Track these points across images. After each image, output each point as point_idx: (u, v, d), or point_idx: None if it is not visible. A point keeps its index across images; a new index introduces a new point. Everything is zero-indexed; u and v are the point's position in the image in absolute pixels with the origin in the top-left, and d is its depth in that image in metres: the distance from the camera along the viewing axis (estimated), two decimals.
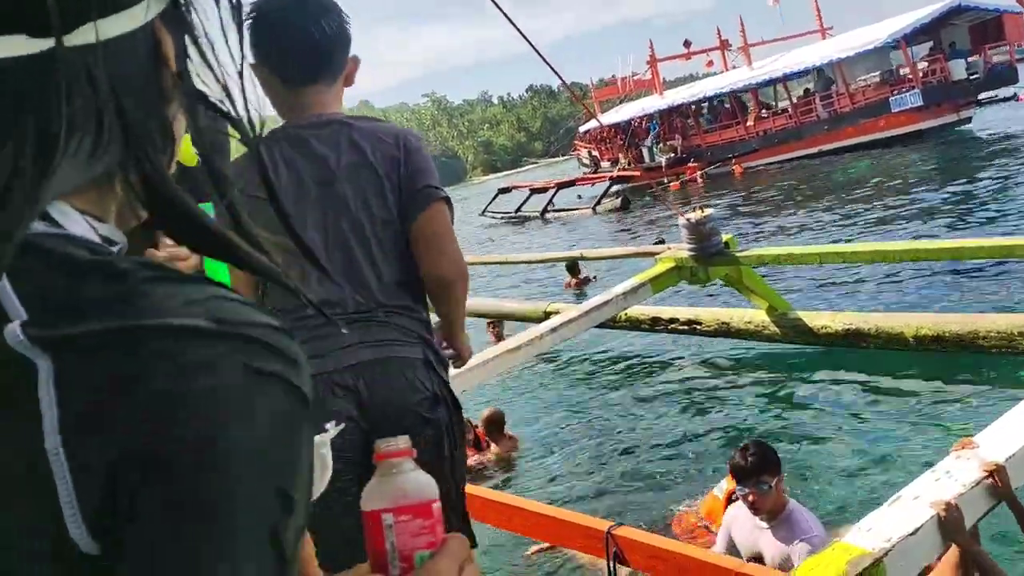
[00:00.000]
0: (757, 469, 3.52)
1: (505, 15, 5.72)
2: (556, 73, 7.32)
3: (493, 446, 6.34)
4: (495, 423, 6.40)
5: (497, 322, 9.47)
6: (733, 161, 27.90)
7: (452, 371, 5.60)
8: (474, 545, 1.76)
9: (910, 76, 25.06)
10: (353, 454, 1.62)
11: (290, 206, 1.65)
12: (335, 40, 1.81)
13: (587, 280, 12.36)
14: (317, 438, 0.69)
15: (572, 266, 12.27)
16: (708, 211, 7.04)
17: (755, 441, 3.87)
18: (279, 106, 1.80)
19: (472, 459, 6.13)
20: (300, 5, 1.75)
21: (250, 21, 1.70)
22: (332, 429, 0.80)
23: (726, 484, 4.14)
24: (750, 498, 3.51)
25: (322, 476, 0.76)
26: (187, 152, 1.59)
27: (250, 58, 1.70)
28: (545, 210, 26.15)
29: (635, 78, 37.93)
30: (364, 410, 1.67)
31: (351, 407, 1.65)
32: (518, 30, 5.93)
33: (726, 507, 4.05)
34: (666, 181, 26.45)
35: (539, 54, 6.50)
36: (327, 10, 1.79)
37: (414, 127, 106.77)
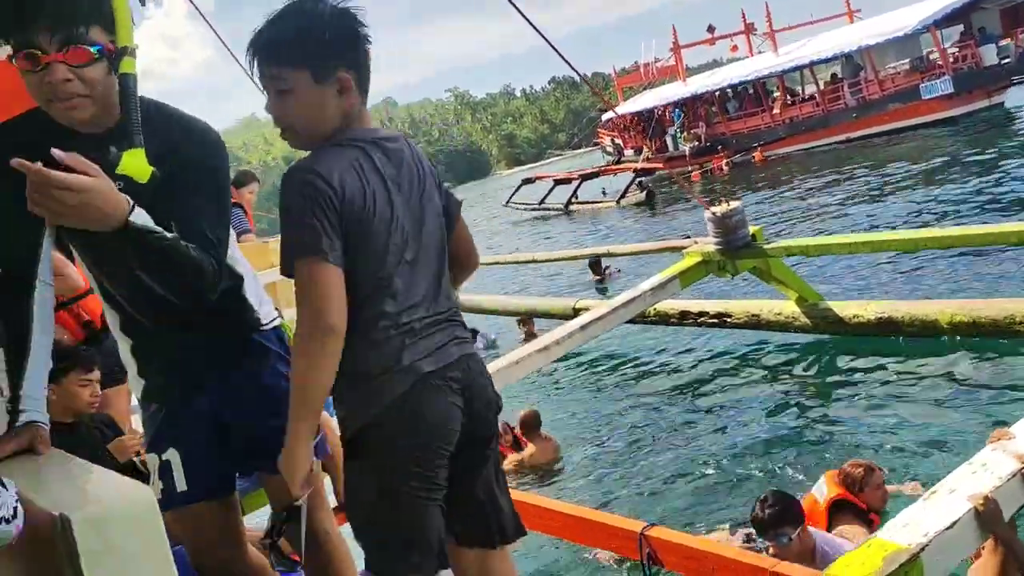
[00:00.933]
0: (776, 521, 3.40)
1: (521, 13, 5.75)
2: (572, 67, 7.34)
3: (530, 446, 6.35)
4: (531, 424, 6.41)
5: (528, 319, 9.52)
6: (758, 148, 27.62)
7: None
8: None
9: (940, 62, 24.63)
10: (453, 445, 1.76)
11: (400, 213, 1.70)
12: None
13: (611, 274, 12.38)
14: None
15: (595, 264, 12.29)
16: (734, 204, 7.01)
17: (773, 492, 3.68)
18: (330, 119, 1.72)
19: (509, 460, 6.19)
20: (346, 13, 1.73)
21: (349, 27, 1.70)
22: None
23: (826, 488, 3.98)
24: (771, 551, 3.40)
25: None
26: (141, 169, 1.64)
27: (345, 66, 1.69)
28: (569, 202, 26.05)
29: (658, 65, 37.58)
30: (467, 403, 1.78)
31: (459, 400, 1.76)
32: (533, 27, 5.95)
33: (828, 515, 3.89)
34: (689, 170, 26.24)
35: (553, 48, 6.51)
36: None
37: (438, 122, 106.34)
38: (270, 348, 1.99)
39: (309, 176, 1.61)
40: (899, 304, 6.65)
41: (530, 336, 8.80)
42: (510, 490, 2.00)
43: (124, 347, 1.98)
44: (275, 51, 1.67)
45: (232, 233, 1.91)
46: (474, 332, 9.77)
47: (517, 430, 6.46)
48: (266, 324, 2.01)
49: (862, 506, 3.93)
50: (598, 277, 12.33)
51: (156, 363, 1.97)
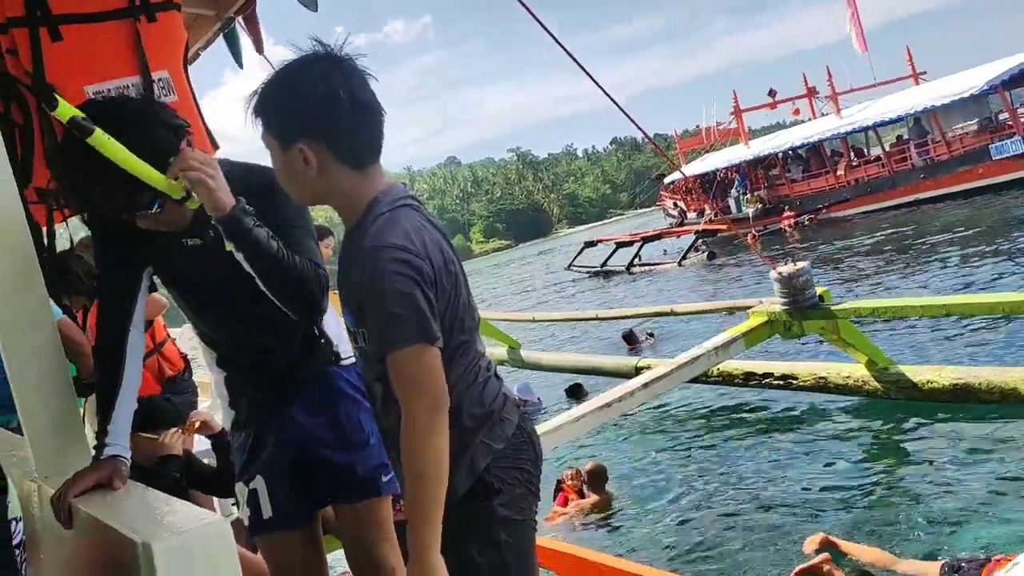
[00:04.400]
0: None
1: (591, 77, 5.87)
2: (642, 131, 7.43)
3: (592, 496, 6.38)
4: (598, 476, 6.45)
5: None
6: (822, 210, 27.29)
7: (542, 428, 5.67)
8: None
9: (1010, 122, 24.21)
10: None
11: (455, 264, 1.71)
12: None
13: (644, 340, 12.03)
14: None
15: (628, 335, 12.02)
16: (801, 264, 6.92)
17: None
18: (341, 190, 1.67)
19: (573, 505, 6.30)
20: (353, 73, 1.65)
21: (322, 97, 1.59)
22: None
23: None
24: None
25: None
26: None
27: (306, 139, 1.62)
28: (631, 264, 26.04)
29: (720, 128, 37.70)
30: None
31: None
32: (600, 87, 6.06)
33: None
34: (755, 232, 26.02)
35: (620, 108, 6.63)
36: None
37: (500, 181, 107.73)
38: (349, 382, 2.10)
39: (401, 254, 1.54)
40: (977, 370, 6.40)
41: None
42: (564, 545, 2.02)
43: (219, 379, 2.14)
44: (255, 111, 1.66)
45: None
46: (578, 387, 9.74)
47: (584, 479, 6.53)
48: (345, 360, 2.11)
49: None
50: (632, 347, 11.89)
51: (245, 395, 2.11)
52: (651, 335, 12.18)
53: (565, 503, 6.41)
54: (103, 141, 1.68)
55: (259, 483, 2.05)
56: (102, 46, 2.41)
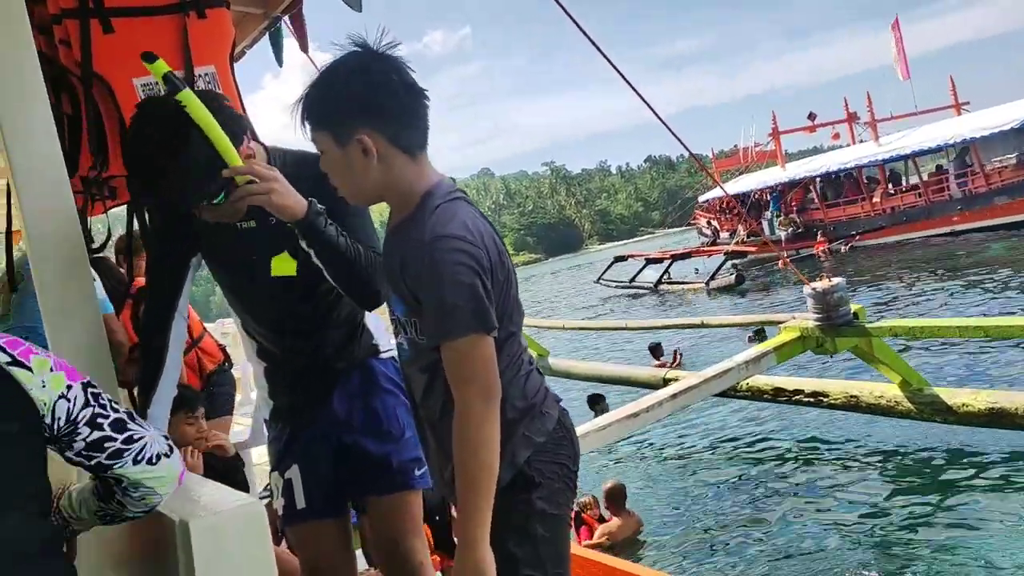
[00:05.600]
0: None
1: (632, 87, 5.86)
2: (680, 141, 7.40)
3: (615, 520, 6.23)
4: (617, 496, 6.31)
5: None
6: (856, 236, 26.94)
7: None
8: None
9: None
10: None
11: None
12: None
13: (674, 359, 11.74)
14: None
15: (654, 348, 11.88)
16: (836, 280, 6.84)
17: None
18: (399, 180, 1.65)
19: (599, 533, 6.14)
20: (400, 63, 1.66)
21: (374, 83, 1.59)
22: None
23: None
24: None
25: None
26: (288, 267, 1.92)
27: (365, 127, 1.60)
28: (659, 282, 25.86)
29: (757, 149, 37.40)
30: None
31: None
32: (643, 100, 6.05)
33: None
34: (786, 256, 25.74)
35: (662, 121, 6.59)
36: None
37: (533, 195, 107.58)
38: (387, 375, 2.09)
39: (462, 244, 1.54)
40: (1013, 395, 6.25)
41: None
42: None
43: (259, 370, 2.16)
44: (305, 113, 1.63)
45: None
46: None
47: (602, 502, 6.37)
48: (384, 353, 2.11)
49: None
50: (658, 362, 11.55)
51: (284, 385, 2.12)
52: (678, 354, 11.90)
53: (590, 535, 6.17)
54: (192, 100, 1.70)
55: (294, 472, 2.05)
56: (152, 40, 2.42)
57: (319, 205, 1.79)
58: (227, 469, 2.91)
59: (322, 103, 1.62)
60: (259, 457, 5.60)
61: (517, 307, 1.70)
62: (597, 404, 9.51)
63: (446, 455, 1.62)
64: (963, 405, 6.26)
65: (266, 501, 2.15)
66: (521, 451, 1.66)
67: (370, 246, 1.88)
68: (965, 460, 6.22)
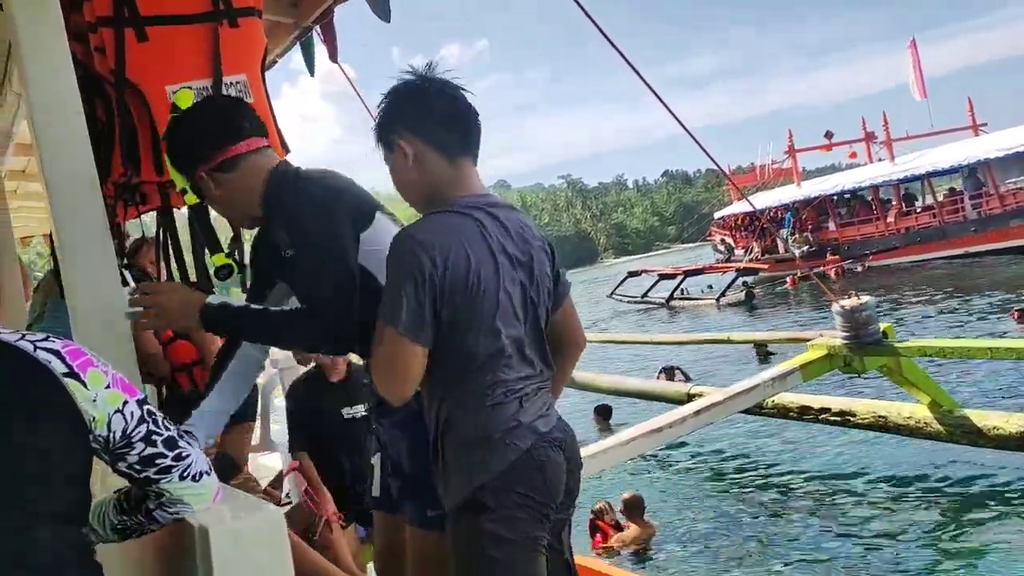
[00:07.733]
0: None
1: (661, 100, 5.81)
2: (708, 154, 7.33)
3: (632, 528, 6.20)
4: (635, 506, 6.29)
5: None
6: (870, 256, 26.74)
7: (590, 450, 5.56)
8: None
9: None
10: (560, 499, 1.75)
11: (508, 283, 1.70)
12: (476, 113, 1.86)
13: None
14: None
15: (668, 370, 11.57)
16: (865, 298, 6.73)
17: None
18: (434, 181, 1.76)
19: (613, 540, 6.14)
20: (444, 80, 1.79)
21: (411, 93, 1.75)
22: None
23: None
24: None
25: None
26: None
27: (403, 132, 1.74)
28: (671, 297, 25.79)
29: (774, 166, 37.26)
30: (567, 461, 1.79)
31: (562, 458, 1.77)
32: (671, 112, 5.99)
33: None
34: (794, 274, 25.54)
35: (689, 133, 6.52)
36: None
37: (548, 208, 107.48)
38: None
39: (410, 245, 1.63)
40: None
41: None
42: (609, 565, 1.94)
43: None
44: (375, 136, 1.80)
45: None
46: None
47: (619, 510, 6.34)
48: None
49: None
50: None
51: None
52: (686, 377, 11.17)
53: (605, 540, 6.22)
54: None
55: (377, 460, 2.10)
56: (185, 48, 2.45)
57: (214, 301, 1.86)
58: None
59: (376, 125, 1.79)
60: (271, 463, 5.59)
61: (513, 339, 1.71)
62: (604, 414, 9.85)
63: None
64: (994, 428, 6.15)
65: (286, 509, 2.13)
66: (477, 476, 1.68)
67: (310, 294, 1.83)
68: (996, 485, 6.09)
